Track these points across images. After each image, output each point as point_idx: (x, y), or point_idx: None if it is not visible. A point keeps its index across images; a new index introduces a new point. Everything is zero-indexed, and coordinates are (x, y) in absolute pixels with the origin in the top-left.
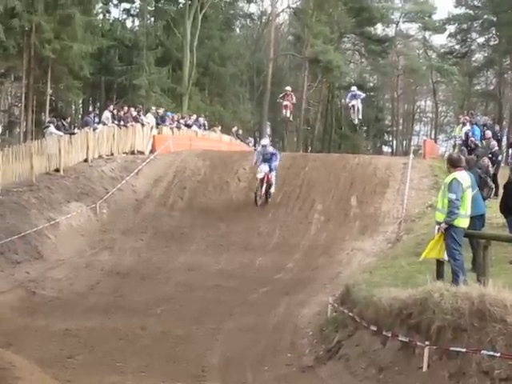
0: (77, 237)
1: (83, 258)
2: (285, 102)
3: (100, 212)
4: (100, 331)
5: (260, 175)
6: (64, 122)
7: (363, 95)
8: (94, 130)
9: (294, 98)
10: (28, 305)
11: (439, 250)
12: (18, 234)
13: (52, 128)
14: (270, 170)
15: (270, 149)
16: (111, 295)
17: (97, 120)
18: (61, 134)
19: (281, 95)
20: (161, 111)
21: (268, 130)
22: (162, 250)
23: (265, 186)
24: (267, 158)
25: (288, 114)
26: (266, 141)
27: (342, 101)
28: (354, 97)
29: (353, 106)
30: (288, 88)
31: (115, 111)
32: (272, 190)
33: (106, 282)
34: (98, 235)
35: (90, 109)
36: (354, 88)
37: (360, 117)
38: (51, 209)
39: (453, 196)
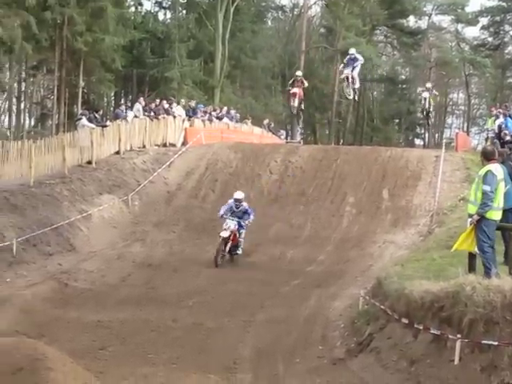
0: (109, 229)
1: (115, 250)
2: (293, 90)
3: (132, 204)
4: (132, 323)
5: (224, 234)
6: (96, 115)
7: (361, 60)
8: (125, 118)
9: (306, 82)
10: (60, 296)
11: (471, 242)
12: (51, 225)
13: (84, 120)
14: (240, 227)
15: (244, 205)
16: (143, 287)
17: (128, 113)
18: (93, 126)
19: (290, 81)
20: (192, 103)
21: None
22: (193, 242)
23: (229, 245)
24: (238, 215)
25: (296, 104)
26: (239, 194)
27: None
28: (350, 63)
29: (346, 77)
30: (298, 73)
31: (147, 104)
32: (239, 251)
33: (137, 273)
34: (129, 227)
35: (122, 101)
36: (352, 51)
37: (357, 85)
38: (83, 201)
39: (487, 188)
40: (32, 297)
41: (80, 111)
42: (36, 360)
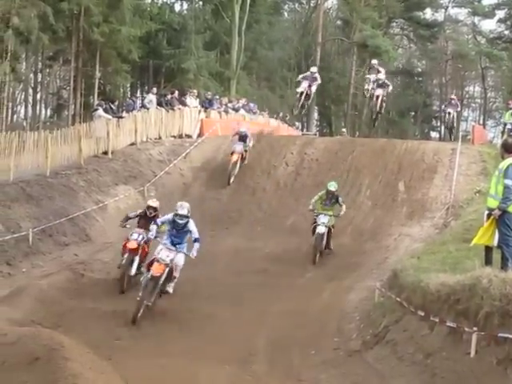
0: None
1: None
2: (301, 87)
3: (148, 195)
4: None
5: (155, 270)
6: (112, 106)
7: (318, 81)
8: (143, 106)
9: (319, 79)
10: (76, 287)
11: (490, 236)
12: (67, 216)
13: (101, 111)
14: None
15: (190, 225)
16: None
17: (139, 103)
18: (109, 117)
19: (301, 76)
20: (209, 95)
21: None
22: (209, 233)
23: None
24: (178, 235)
25: (302, 102)
26: (183, 209)
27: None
28: (309, 80)
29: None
30: (313, 69)
31: (159, 95)
32: (170, 289)
33: None
34: None
35: (138, 93)
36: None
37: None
38: (99, 191)
39: (509, 182)
40: (48, 287)
41: (96, 102)
42: (52, 350)
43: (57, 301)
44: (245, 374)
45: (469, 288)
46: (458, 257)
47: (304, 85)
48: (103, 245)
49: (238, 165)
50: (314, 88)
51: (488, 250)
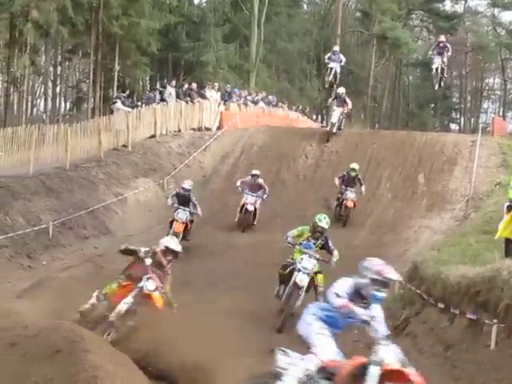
0: (144, 212)
1: (151, 234)
2: (332, 64)
3: (167, 188)
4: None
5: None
6: (126, 96)
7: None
8: (163, 100)
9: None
10: (96, 279)
11: None
12: (87, 209)
13: (119, 104)
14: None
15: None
16: (179, 270)
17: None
18: (128, 109)
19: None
20: (228, 88)
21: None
22: (228, 225)
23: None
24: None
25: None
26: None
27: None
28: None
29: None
30: (336, 48)
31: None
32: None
33: None
34: (165, 211)
35: (158, 85)
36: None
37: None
38: (119, 184)
39: None
40: (68, 279)
41: (115, 94)
42: (73, 342)
43: (77, 293)
44: (263, 366)
45: (489, 280)
46: (477, 249)
47: (333, 65)
48: (123, 237)
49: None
50: (338, 69)
51: (508, 241)
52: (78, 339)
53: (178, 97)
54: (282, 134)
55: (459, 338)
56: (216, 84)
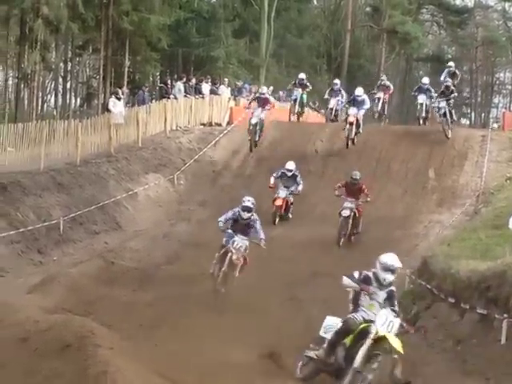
0: (154, 208)
1: (161, 229)
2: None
3: (177, 183)
4: (179, 302)
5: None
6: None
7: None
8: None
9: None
10: (107, 275)
11: None
12: (97, 204)
13: (113, 99)
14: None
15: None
16: (189, 266)
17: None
18: (121, 105)
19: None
20: (239, 83)
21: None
22: None
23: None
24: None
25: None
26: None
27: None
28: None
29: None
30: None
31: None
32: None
33: (183, 252)
34: (175, 206)
35: (169, 81)
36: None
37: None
38: (129, 180)
39: None
40: (79, 275)
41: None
42: (83, 337)
43: (87, 289)
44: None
45: (499, 275)
46: (488, 244)
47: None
48: (133, 233)
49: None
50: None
51: None
52: (89, 334)
53: (186, 92)
54: (292, 128)
55: (469, 333)
56: (226, 79)
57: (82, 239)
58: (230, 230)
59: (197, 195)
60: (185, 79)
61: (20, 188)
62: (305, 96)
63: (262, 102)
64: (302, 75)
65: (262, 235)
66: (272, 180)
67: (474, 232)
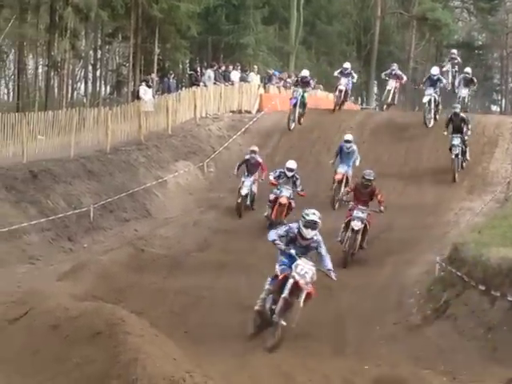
0: (184, 195)
1: (191, 216)
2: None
3: (207, 171)
4: (210, 289)
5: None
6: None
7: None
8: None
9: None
10: (137, 262)
11: None
12: (127, 192)
13: (144, 86)
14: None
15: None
16: (219, 253)
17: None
18: (150, 93)
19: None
20: (271, 71)
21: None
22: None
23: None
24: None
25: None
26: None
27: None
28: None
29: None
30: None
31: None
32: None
33: (213, 240)
34: (205, 194)
35: (199, 69)
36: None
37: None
38: (159, 167)
39: None
40: (109, 262)
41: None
42: (114, 324)
43: (118, 276)
44: (304, 348)
45: None
46: None
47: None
48: (163, 220)
49: None
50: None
51: None
52: (119, 321)
53: (215, 79)
54: (321, 115)
55: (500, 321)
56: (255, 66)
57: (112, 227)
58: (292, 251)
59: (226, 183)
60: (215, 67)
61: (50, 176)
62: (306, 95)
63: (253, 166)
64: (306, 72)
65: (330, 264)
66: (271, 177)
67: (505, 219)
